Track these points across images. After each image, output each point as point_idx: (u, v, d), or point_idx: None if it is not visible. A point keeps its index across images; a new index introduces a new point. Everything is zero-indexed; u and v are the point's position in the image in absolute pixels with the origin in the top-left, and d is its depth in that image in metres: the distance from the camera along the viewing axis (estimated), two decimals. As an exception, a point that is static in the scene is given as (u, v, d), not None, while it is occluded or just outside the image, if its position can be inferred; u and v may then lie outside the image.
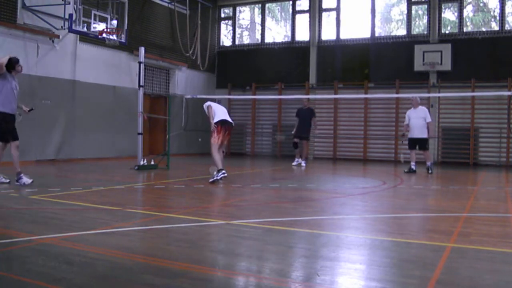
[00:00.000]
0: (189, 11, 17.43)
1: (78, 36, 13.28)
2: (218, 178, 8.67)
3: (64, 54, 13.25)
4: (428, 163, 11.66)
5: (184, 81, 17.88)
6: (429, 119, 11.59)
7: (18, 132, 7.92)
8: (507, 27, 15.95)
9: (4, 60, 7.74)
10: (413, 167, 11.69)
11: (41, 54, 12.58)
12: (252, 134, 18.97)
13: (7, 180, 7.91)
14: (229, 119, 9.32)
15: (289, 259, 3.78)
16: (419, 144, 11.65)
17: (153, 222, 5.16)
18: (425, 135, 11.59)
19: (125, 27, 13.38)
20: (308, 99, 14.84)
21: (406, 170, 11.81)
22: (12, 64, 7.89)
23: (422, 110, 11.69)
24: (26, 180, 7.81)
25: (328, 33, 18.28)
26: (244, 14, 21.94)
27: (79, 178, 9.50)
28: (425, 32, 16.85)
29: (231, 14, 20.15)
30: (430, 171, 11.50)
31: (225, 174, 8.82)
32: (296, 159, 13.91)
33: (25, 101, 12.18)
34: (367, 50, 17.30)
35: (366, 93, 16.87)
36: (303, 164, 13.59)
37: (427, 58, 15.95)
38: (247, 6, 20.88)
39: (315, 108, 14.78)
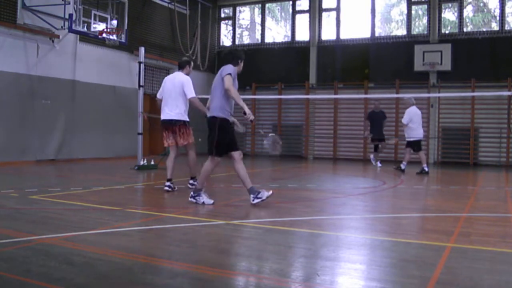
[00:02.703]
0: (189, 11, 17.42)
1: (78, 36, 13.28)
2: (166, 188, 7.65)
3: (64, 54, 13.24)
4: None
5: (184, 81, 17.85)
6: (403, 119, 11.75)
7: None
8: (507, 27, 15.94)
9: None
10: (425, 168, 11.62)
11: (41, 54, 12.58)
12: (252, 134, 18.95)
13: (206, 201, 6.27)
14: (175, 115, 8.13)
15: (289, 259, 3.78)
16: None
17: (153, 222, 5.16)
18: (409, 137, 11.73)
19: (125, 27, 13.37)
20: (375, 101, 14.55)
21: (417, 172, 11.74)
22: (237, 60, 6.58)
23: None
24: (206, 200, 6.24)
25: (328, 33, 18.27)
26: (244, 14, 21.92)
27: (79, 178, 9.51)
28: (425, 32, 16.84)
29: (231, 14, 20.14)
30: (400, 169, 11.97)
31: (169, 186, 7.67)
32: (374, 160, 14.12)
33: (25, 101, 12.28)
34: (367, 50, 17.29)
35: (366, 93, 16.86)
36: (379, 165, 13.84)
37: (427, 58, 15.94)
38: (247, 6, 20.86)
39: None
